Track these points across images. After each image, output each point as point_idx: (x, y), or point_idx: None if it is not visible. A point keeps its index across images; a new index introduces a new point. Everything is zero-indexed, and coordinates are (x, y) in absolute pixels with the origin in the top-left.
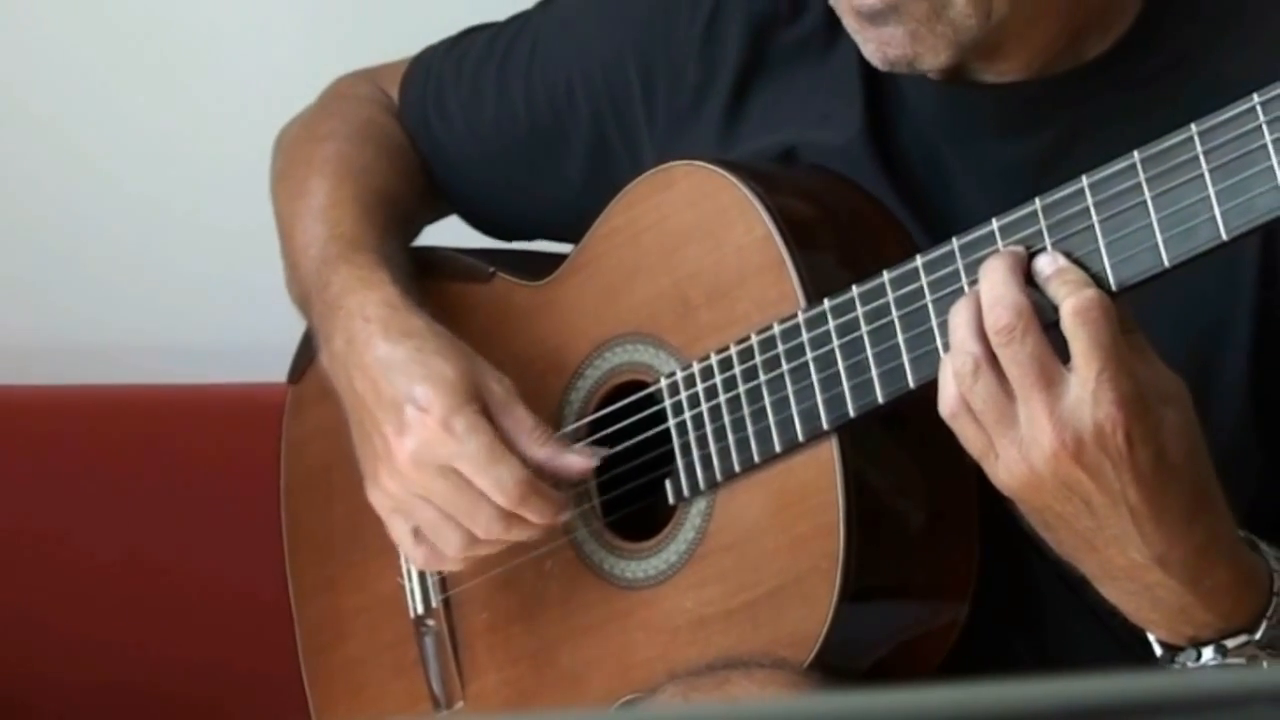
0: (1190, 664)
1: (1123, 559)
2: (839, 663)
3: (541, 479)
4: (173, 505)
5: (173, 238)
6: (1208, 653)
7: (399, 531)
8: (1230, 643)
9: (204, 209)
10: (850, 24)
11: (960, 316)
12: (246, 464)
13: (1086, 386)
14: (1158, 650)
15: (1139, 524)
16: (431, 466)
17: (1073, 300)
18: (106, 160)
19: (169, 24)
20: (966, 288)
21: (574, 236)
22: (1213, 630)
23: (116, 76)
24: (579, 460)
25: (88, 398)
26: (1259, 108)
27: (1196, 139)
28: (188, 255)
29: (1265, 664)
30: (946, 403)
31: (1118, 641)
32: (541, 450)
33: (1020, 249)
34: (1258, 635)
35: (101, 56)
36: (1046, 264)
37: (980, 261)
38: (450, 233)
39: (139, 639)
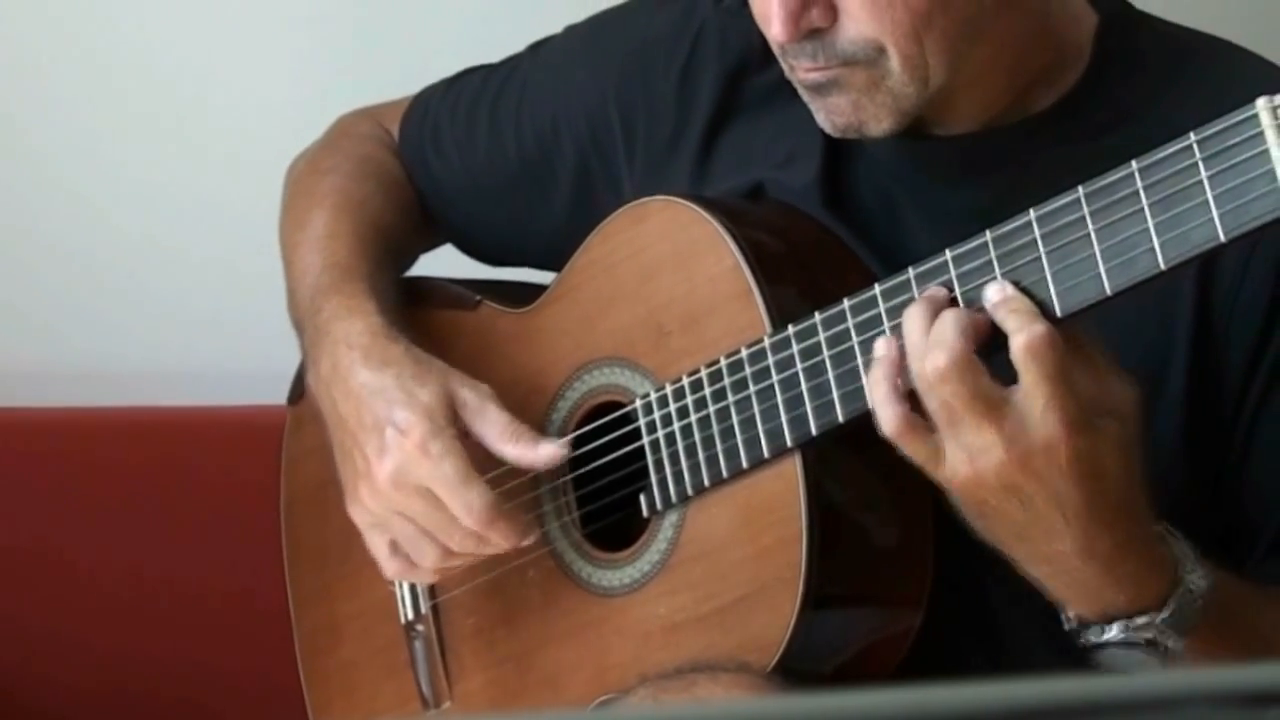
0: (1095, 639)
1: (1048, 549)
2: (801, 666)
3: (517, 476)
4: (178, 519)
5: (179, 270)
6: (1114, 628)
7: (376, 545)
8: (1136, 620)
9: (207, 243)
10: (802, 94)
11: (912, 320)
12: (247, 481)
13: (1034, 411)
14: (1072, 623)
15: (1070, 523)
16: (409, 486)
17: (1023, 336)
18: (118, 199)
19: (176, 64)
20: None
21: (559, 265)
22: (1120, 609)
23: (125, 119)
24: (548, 450)
25: (99, 419)
26: (1195, 146)
27: (1137, 175)
28: (193, 286)
29: (1165, 643)
30: (891, 423)
31: (1065, 647)
32: (514, 448)
33: (943, 292)
34: (1162, 616)
35: (113, 100)
36: (995, 292)
37: None
38: (442, 260)
39: (146, 645)
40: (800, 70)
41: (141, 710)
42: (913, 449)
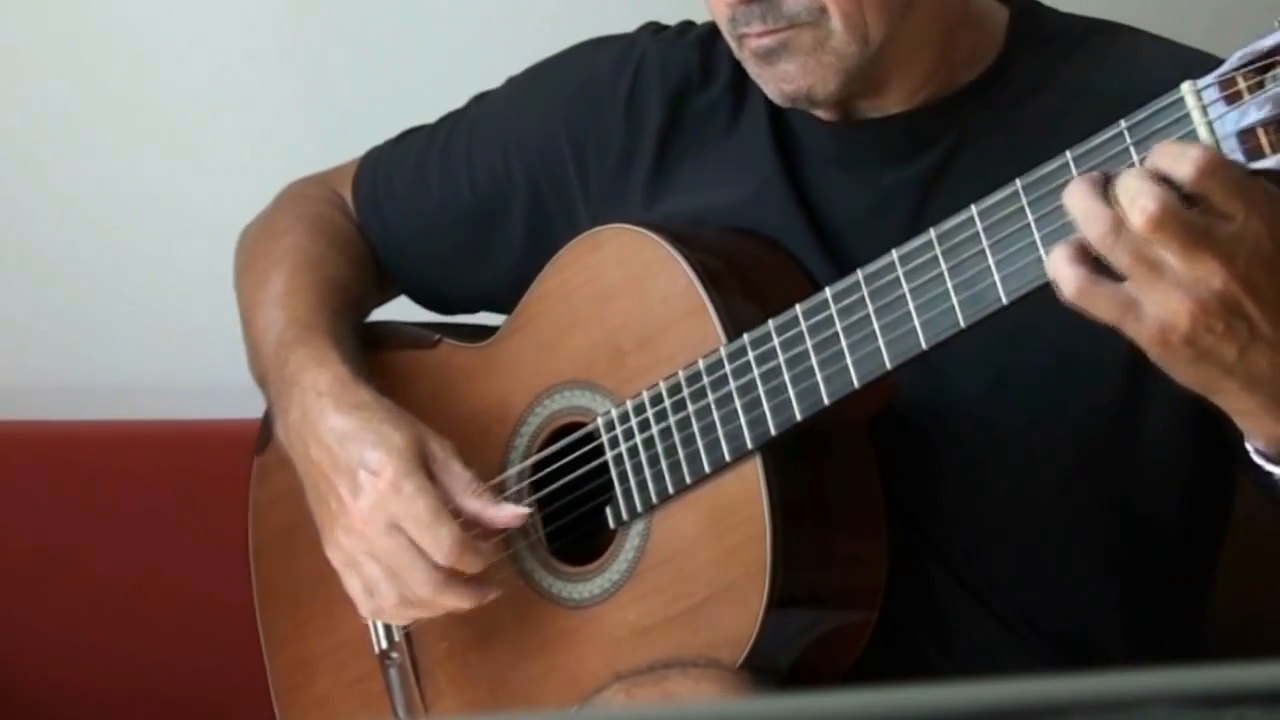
0: None
1: (1268, 364)
2: (767, 660)
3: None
4: (178, 528)
5: (179, 288)
6: None
7: (352, 584)
8: None
9: (206, 262)
10: (752, 69)
11: (1078, 196)
12: (244, 491)
13: (1236, 220)
14: (1276, 469)
15: None
16: (381, 524)
17: (1187, 163)
18: (121, 225)
19: (179, 90)
20: (872, 312)
21: (514, 306)
22: None
23: (126, 143)
24: (509, 512)
25: (102, 432)
26: (1125, 132)
27: (1071, 164)
28: (194, 303)
29: None
30: (1072, 283)
31: (1022, 643)
32: (475, 502)
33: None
34: None
35: (113, 124)
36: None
37: (882, 289)
38: (402, 305)
39: (148, 648)
40: (751, 38)
41: (143, 711)
42: (1102, 305)
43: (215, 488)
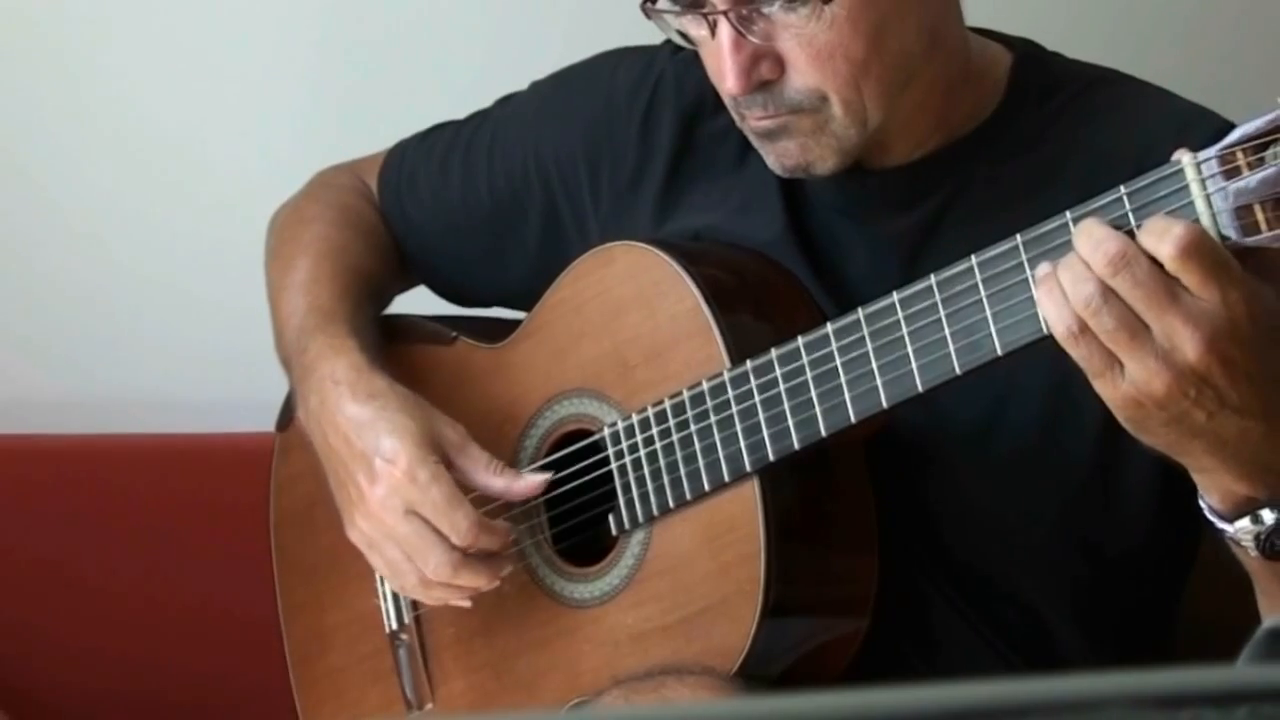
0: (1245, 531)
1: (1235, 428)
2: (759, 669)
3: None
4: (180, 536)
5: (175, 308)
6: (1269, 515)
7: (377, 563)
8: None
9: (206, 283)
10: (753, 140)
11: (1068, 272)
12: (243, 500)
13: (1209, 294)
14: (1227, 526)
15: (1261, 392)
16: (398, 511)
17: (1169, 242)
18: (137, 251)
19: (177, 122)
20: (871, 351)
21: (527, 304)
22: None
23: (130, 171)
24: (531, 481)
25: (108, 445)
26: (1125, 198)
27: (1070, 224)
28: (188, 323)
29: None
30: (1062, 324)
31: (996, 652)
32: (498, 480)
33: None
34: None
35: (123, 142)
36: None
37: (882, 330)
38: (419, 299)
39: (151, 652)
40: (751, 119)
41: (146, 713)
42: (1086, 352)
43: (218, 500)
